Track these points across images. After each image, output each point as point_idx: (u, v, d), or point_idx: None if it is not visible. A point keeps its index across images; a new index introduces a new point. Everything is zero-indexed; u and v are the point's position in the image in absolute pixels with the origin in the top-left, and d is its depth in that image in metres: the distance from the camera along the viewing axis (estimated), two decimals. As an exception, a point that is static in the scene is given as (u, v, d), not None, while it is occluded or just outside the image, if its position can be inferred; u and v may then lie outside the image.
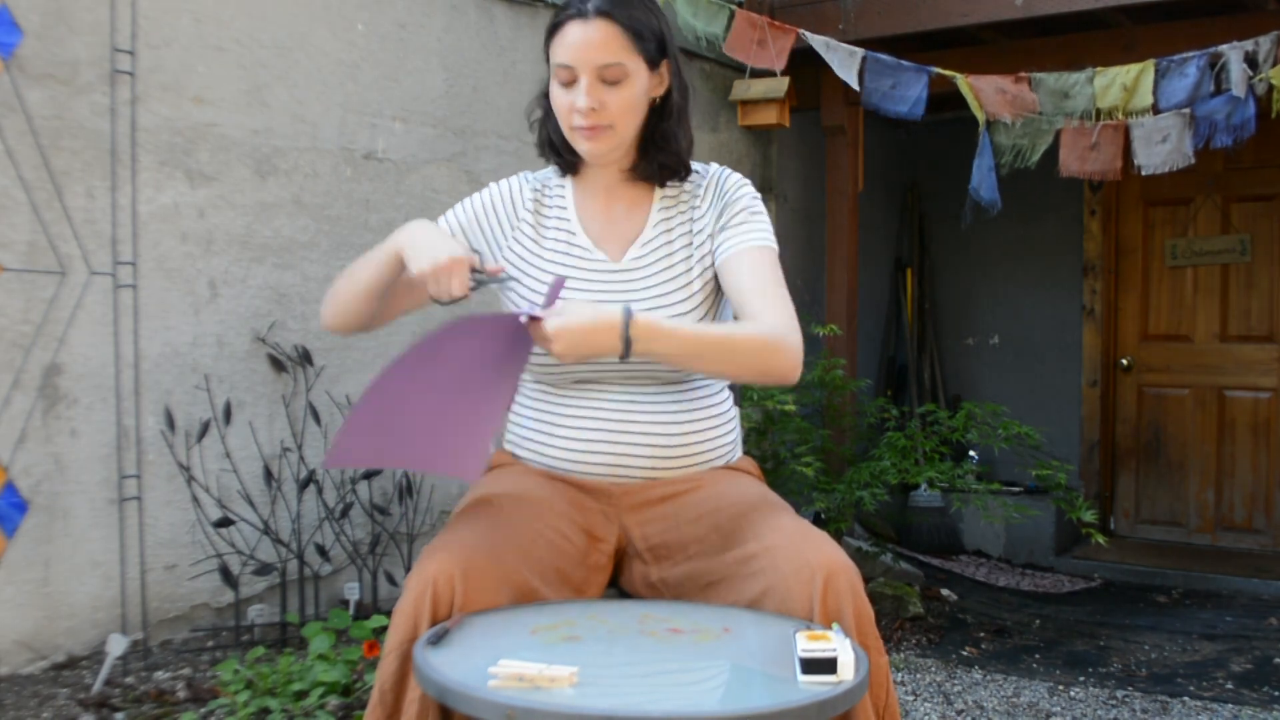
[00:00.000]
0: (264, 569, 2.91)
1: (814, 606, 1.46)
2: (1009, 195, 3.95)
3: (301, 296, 3.05)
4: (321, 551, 3.02)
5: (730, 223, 1.77)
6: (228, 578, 2.83)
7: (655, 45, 1.71)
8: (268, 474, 2.94)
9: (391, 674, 1.45)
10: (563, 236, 1.80)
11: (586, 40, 1.65)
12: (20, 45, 2.48)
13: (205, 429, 2.82)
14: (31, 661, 2.54)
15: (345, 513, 3.09)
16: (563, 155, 1.80)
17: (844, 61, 3.91)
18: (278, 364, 2.99)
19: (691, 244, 1.78)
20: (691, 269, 1.76)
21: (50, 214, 2.55)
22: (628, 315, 1.51)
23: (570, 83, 1.68)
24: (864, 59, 3.91)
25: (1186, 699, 3.18)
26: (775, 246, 1.78)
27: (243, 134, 2.91)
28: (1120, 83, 3.68)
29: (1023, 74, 3.81)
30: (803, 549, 1.52)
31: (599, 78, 1.67)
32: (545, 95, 1.79)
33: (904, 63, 3.90)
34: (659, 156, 1.77)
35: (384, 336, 3.24)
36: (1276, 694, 3.24)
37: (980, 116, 3.85)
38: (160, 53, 2.74)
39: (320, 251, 3.10)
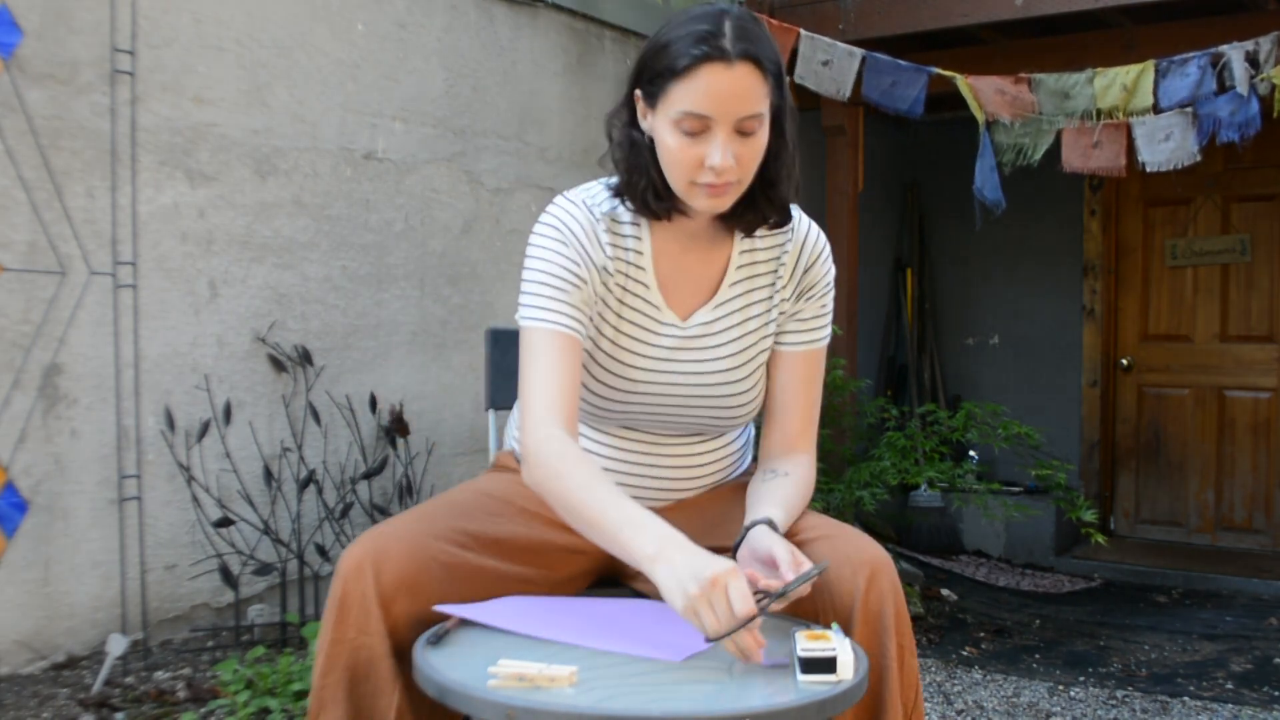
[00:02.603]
0: (264, 569, 2.91)
1: (855, 600, 1.42)
2: (1009, 195, 3.95)
3: (301, 296, 3.05)
4: (321, 551, 3.02)
5: (804, 312, 1.64)
6: (228, 578, 2.83)
7: (779, 79, 1.46)
8: (268, 474, 2.95)
9: (320, 675, 1.38)
10: (639, 290, 1.58)
11: (732, 90, 1.39)
12: (20, 45, 2.48)
13: (205, 429, 2.82)
14: (31, 661, 2.54)
15: (345, 513, 3.09)
16: (652, 205, 1.52)
17: (833, 74, 3.91)
18: (278, 364, 2.99)
19: (769, 311, 1.62)
20: (765, 339, 1.62)
21: (50, 214, 2.55)
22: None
23: (699, 133, 1.42)
24: (863, 59, 3.91)
25: (1186, 699, 3.17)
26: (830, 336, 1.69)
27: (243, 134, 2.91)
28: (1120, 83, 3.68)
29: (1022, 74, 3.80)
30: (846, 543, 1.48)
31: (736, 129, 1.42)
32: (629, 127, 1.52)
33: (902, 63, 3.90)
34: (765, 208, 1.55)
35: (383, 337, 3.24)
36: (1276, 694, 3.24)
37: (980, 117, 3.85)
38: (160, 53, 2.74)
39: (320, 251, 3.10)
